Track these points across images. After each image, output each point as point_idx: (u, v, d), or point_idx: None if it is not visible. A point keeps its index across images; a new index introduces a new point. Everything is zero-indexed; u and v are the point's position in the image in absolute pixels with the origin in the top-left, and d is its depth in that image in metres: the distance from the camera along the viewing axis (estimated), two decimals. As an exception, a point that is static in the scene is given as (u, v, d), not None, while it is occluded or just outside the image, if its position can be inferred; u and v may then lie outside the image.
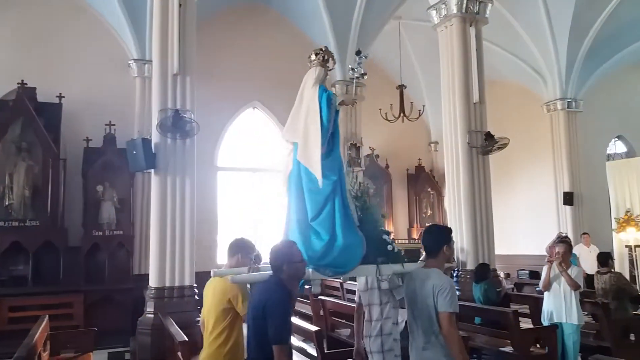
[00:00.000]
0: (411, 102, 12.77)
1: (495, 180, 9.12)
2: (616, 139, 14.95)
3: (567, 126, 13.41)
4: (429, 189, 16.58)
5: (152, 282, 6.70)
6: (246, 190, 11.56)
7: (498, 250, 8.43)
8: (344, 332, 6.70)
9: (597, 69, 13.57)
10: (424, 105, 13.70)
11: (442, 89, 8.60)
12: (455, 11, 8.33)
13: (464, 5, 8.30)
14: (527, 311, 6.57)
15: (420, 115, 13.08)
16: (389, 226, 15.86)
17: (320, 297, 7.17)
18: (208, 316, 3.43)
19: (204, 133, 9.25)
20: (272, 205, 11.71)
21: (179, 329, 5.15)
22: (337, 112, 3.71)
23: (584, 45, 12.74)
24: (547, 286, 5.70)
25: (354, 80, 4.19)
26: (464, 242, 8.00)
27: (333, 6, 11.23)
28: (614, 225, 11.24)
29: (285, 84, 11.62)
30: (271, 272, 3.03)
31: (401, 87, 12.62)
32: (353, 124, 12.03)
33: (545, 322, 5.75)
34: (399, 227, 16.26)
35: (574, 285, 5.54)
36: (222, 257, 10.68)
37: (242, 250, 3.58)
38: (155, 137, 6.89)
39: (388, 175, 15.83)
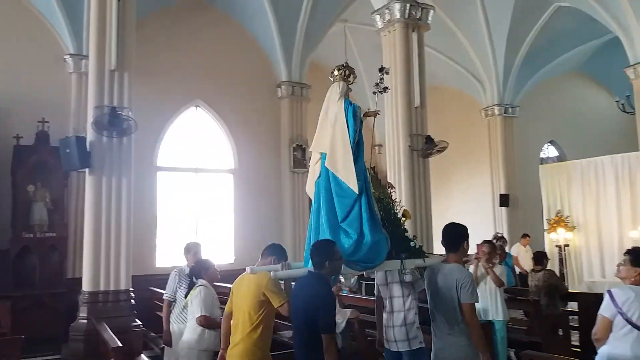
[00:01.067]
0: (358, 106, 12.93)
1: (435, 182, 9.38)
2: (549, 144, 15.72)
3: (503, 131, 13.99)
4: (373, 191, 16.85)
5: (86, 286, 6.45)
6: (188, 191, 11.29)
7: (437, 250, 8.64)
8: (286, 334, 6.67)
9: (532, 76, 14.24)
10: (368, 108, 13.88)
11: (385, 93, 8.73)
12: (398, 16, 8.50)
13: (407, 11, 8.47)
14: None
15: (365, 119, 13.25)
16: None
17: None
18: (240, 310, 3.67)
19: (144, 132, 8.99)
20: (214, 206, 11.52)
21: (112, 335, 4.98)
22: (361, 122, 4.09)
23: (520, 53, 13.33)
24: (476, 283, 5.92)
25: (377, 94, 4.66)
26: (405, 242, 8.16)
27: (278, 6, 11.19)
28: (546, 225, 11.79)
29: (229, 82, 11.52)
30: (310, 268, 3.41)
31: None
32: (299, 125, 12.03)
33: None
34: (344, 228, 16.41)
35: (499, 283, 5.85)
36: (162, 260, 10.40)
37: (277, 254, 3.89)
38: (90, 135, 6.61)
39: (334, 176, 15.98)
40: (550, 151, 15.83)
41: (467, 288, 3.51)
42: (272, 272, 3.61)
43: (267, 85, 12.07)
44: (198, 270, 4.91)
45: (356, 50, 14.58)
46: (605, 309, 3.44)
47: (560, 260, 11.48)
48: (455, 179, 14.92)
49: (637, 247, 3.64)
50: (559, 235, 11.28)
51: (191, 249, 5.47)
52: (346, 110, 4.02)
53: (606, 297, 3.48)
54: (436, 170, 9.32)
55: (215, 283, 5.19)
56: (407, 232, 4.19)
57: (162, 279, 8.45)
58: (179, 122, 11.21)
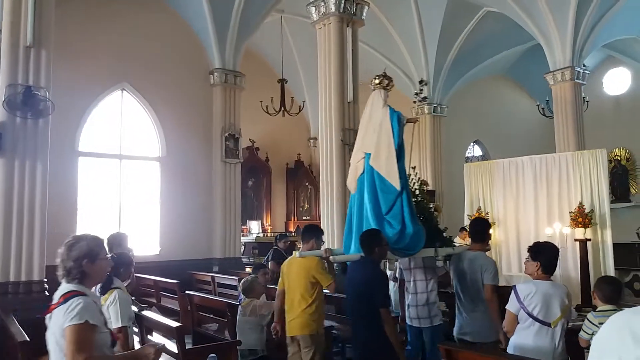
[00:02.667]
0: (292, 97, 12.87)
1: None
2: (474, 143, 16.42)
3: (432, 129, 14.44)
4: (307, 184, 16.89)
5: (-6, 277, 5.99)
6: (111, 179, 10.76)
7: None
8: (212, 327, 6.54)
9: (461, 77, 14.78)
10: (304, 101, 13.88)
11: (319, 87, 8.75)
12: (333, 10, 8.50)
13: (342, 5, 8.49)
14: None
15: (300, 111, 13.22)
16: (266, 219, 15.88)
17: (187, 292, 6.95)
18: (293, 290, 4.29)
19: (64, 114, 8.46)
20: (139, 195, 11.07)
21: (20, 328, 4.65)
22: (403, 127, 4.63)
23: (450, 54, 13.79)
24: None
25: (416, 103, 5.44)
26: (335, 235, 8.22)
27: (213, -9, 10.87)
28: (466, 221, 12.27)
29: (158, 67, 11.08)
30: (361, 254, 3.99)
31: (282, 81, 12.64)
32: (232, 114, 11.77)
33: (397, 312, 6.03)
34: (277, 220, 16.34)
35: None
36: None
37: (315, 234, 4.47)
38: (1, 115, 6.13)
39: (268, 168, 15.83)
40: (475, 150, 16.53)
41: (490, 272, 4.18)
42: (330, 257, 4.31)
43: (199, 72, 11.71)
44: (116, 267, 4.06)
45: (292, 41, 14.51)
46: (510, 304, 3.63)
47: (481, 254, 11.96)
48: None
49: (537, 243, 3.84)
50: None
51: (115, 242, 4.98)
52: (391, 117, 4.58)
53: (512, 293, 3.67)
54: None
55: (138, 275, 4.91)
56: (439, 224, 4.95)
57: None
58: (103, 106, 10.64)
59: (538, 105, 13.55)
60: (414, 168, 5.05)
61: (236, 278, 8.46)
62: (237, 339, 4.78)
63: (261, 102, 12.25)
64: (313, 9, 8.78)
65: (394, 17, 12.83)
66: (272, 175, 16.00)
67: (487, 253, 4.56)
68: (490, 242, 4.67)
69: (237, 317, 5.00)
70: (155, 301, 8.43)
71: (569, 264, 8.22)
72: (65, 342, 2.21)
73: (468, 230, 4.88)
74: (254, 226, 15.24)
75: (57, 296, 2.35)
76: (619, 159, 15.14)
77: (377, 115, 4.69)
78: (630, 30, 12.52)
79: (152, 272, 8.89)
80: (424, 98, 4.61)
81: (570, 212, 8.25)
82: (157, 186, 11.11)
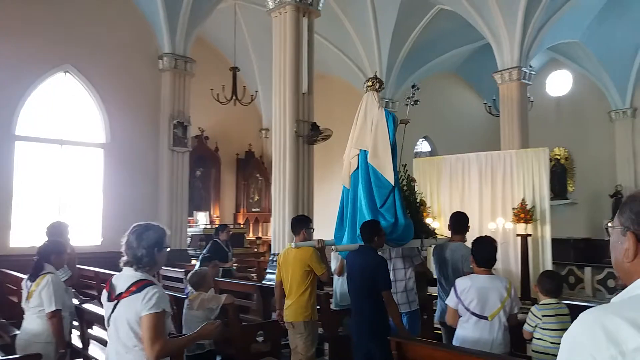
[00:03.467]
0: (244, 86, 12.64)
1: (318, 169, 9.48)
2: (423, 139, 16.72)
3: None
4: (258, 175, 16.71)
5: None
6: (51, 165, 10.22)
7: (315, 236, 8.76)
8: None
9: (413, 74, 14.96)
10: (256, 91, 13.68)
11: (274, 76, 8.61)
12: (289, -1, 8.36)
13: (299, -6, 8.38)
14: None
15: (252, 100, 13.02)
16: (214, 210, 15.60)
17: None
18: (290, 278, 4.56)
19: (0, 95, 7.95)
20: (80, 182, 10.58)
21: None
22: (397, 127, 5.05)
23: (403, 50, 13.95)
24: (341, 271, 5.99)
25: (408, 105, 5.77)
26: (286, 227, 8.14)
27: (165, -27, 10.50)
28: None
29: (104, 49, 10.60)
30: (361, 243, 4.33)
31: (234, 69, 12.39)
32: (181, 101, 11.43)
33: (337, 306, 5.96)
34: (225, 211, 16.09)
35: None
36: (18, 239, 9.35)
37: (304, 225, 4.78)
38: None
39: (217, 158, 15.54)
40: (424, 146, 16.84)
41: (469, 261, 4.28)
42: (333, 247, 4.92)
43: (148, 56, 11.28)
44: (47, 254, 4.07)
45: (246, 29, 14.26)
46: (450, 299, 3.76)
47: (427, 248, 12.25)
48: (337, 168, 15.24)
49: (475, 238, 3.95)
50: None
51: (55, 231, 4.76)
52: (387, 118, 4.97)
53: (452, 288, 3.78)
54: (319, 157, 9.41)
55: (79, 266, 4.67)
56: (424, 217, 5.50)
57: (17, 260, 7.60)
58: (44, 88, 10.07)
59: (485, 103, 13.94)
60: (404, 166, 5.39)
61: (182, 270, 8.27)
62: (183, 333, 4.64)
63: (212, 89, 11.97)
64: (269, -4, 8.61)
65: (349, 10, 12.84)
66: (221, 165, 15.72)
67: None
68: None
69: (184, 310, 4.85)
70: (96, 293, 8.10)
71: (510, 258, 8.49)
72: (142, 329, 2.38)
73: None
74: (202, 217, 14.94)
75: (123, 283, 2.46)
76: (559, 158, 15.84)
77: (372, 115, 5.07)
78: (573, 34, 13.07)
79: (94, 263, 8.53)
80: (416, 101, 5.82)
81: (513, 208, 8.52)
82: (100, 174, 10.66)
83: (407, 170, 5.49)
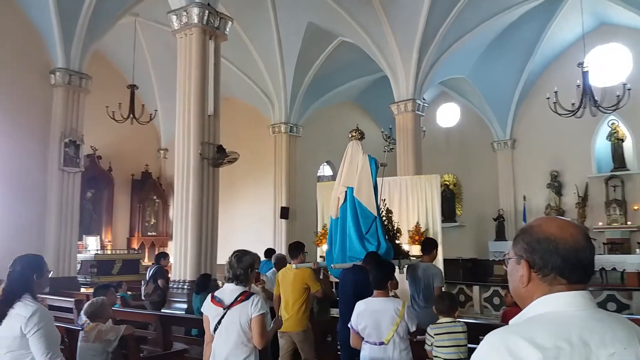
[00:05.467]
0: (142, 105, 12.21)
1: (222, 191, 9.33)
2: (325, 164, 17.15)
3: (288, 148, 14.80)
4: (155, 197, 16.06)
5: None
6: None
7: (218, 260, 8.60)
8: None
9: (315, 101, 15.42)
10: (156, 110, 13.26)
11: (178, 97, 8.41)
12: (196, 21, 8.27)
13: (205, 17, 8.31)
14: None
15: (151, 120, 12.60)
16: (106, 234, 14.72)
17: None
18: (289, 294, 5.25)
19: None
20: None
21: None
22: (377, 169, 6.25)
23: (307, 78, 14.34)
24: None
25: (385, 152, 7.55)
26: (189, 252, 7.90)
27: (59, -15, 9.90)
28: (314, 238, 12.72)
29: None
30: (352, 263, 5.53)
31: (133, 87, 11.94)
32: (74, 118, 10.73)
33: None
34: (118, 236, 15.26)
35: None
36: None
37: (301, 250, 5.57)
38: None
39: (110, 179, 14.75)
40: (326, 170, 17.26)
41: (439, 278, 5.50)
42: (332, 265, 6.05)
43: (38, 70, 10.49)
44: None
45: (146, 46, 13.86)
46: (351, 322, 3.90)
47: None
48: (241, 190, 15.17)
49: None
50: (324, 247, 12.21)
51: None
52: (370, 162, 6.21)
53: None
54: (222, 179, 9.29)
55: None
56: (400, 242, 6.85)
57: None
58: None
59: (382, 132, 14.65)
60: (383, 200, 6.62)
61: (72, 300, 7.69)
62: (78, 367, 4.30)
63: (107, 107, 11.41)
64: (174, 17, 8.45)
65: (255, 36, 12.97)
66: (114, 186, 14.92)
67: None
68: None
69: (79, 343, 4.50)
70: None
71: (404, 280, 8.90)
72: (253, 326, 3.14)
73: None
74: (92, 242, 14.01)
75: (230, 294, 3.21)
76: (448, 184, 17.03)
77: (357, 159, 6.27)
78: (460, 71, 14.26)
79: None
80: (392, 149, 8.00)
81: (409, 231, 8.98)
82: (-22, 194, 9.64)
83: (385, 204, 6.78)
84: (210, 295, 3.33)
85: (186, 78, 8.29)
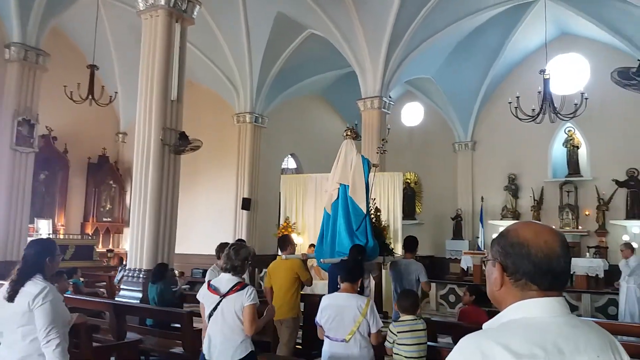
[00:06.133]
0: (102, 86, 11.77)
1: (183, 179, 9.13)
2: (290, 156, 17.05)
3: (252, 139, 14.61)
4: (111, 182, 15.61)
5: None
6: None
7: (176, 250, 8.42)
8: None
9: (282, 92, 15.27)
10: (116, 92, 12.83)
11: (140, 80, 8.15)
12: (162, 3, 8.02)
13: (173, 0, 8.08)
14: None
15: (111, 102, 12.18)
16: (59, 218, 14.21)
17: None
18: (280, 283, 5.43)
19: None
20: None
21: None
22: (370, 169, 6.62)
23: (274, 69, 14.18)
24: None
25: (378, 154, 8.53)
26: (145, 240, 7.69)
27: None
28: (276, 230, 12.65)
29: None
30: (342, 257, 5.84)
31: (93, 67, 11.50)
32: (29, 96, 10.27)
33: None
34: (72, 220, 14.77)
35: None
36: None
37: (290, 243, 5.75)
38: None
39: (65, 161, 14.22)
40: (290, 163, 17.17)
41: (424, 273, 5.83)
42: (322, 259, 6.32)
43: (-9, 43, 10.00)
44: None
45: (109, 26, 13.42)
46: (317, 316, 3.85)
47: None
48: (202, 179, 14.90)
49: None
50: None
51: None
52: (363, 162, 6.57)
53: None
54: (184, 167, 9.08)
55: None
56: (386, 239, 7.48)
57: None
58: None
59: (348, 127, 14.67)
60: (374, 199, 7.08)
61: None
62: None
63: (65, 87, 10.96)
64: (140, -3, 8.18)
65: (223, 22, 12.71)
66: (69, 169, 14.40)
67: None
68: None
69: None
70: None
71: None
72: (244, 314, 3.35)
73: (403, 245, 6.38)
74: (43, 225, 13.49)
75: (226, 284, 3.43)
76: (409, 182, 17.24)
77: (351, 158, 6.62)
78: (426, 71, 14.41)
79: None
80: (384, 151, 8.75)
81: (371, 227, 9.02)
82: None
83: (375, 202, 7.19)
84: (206, 283, 3.53)
85: (150, 61, 8.05)
